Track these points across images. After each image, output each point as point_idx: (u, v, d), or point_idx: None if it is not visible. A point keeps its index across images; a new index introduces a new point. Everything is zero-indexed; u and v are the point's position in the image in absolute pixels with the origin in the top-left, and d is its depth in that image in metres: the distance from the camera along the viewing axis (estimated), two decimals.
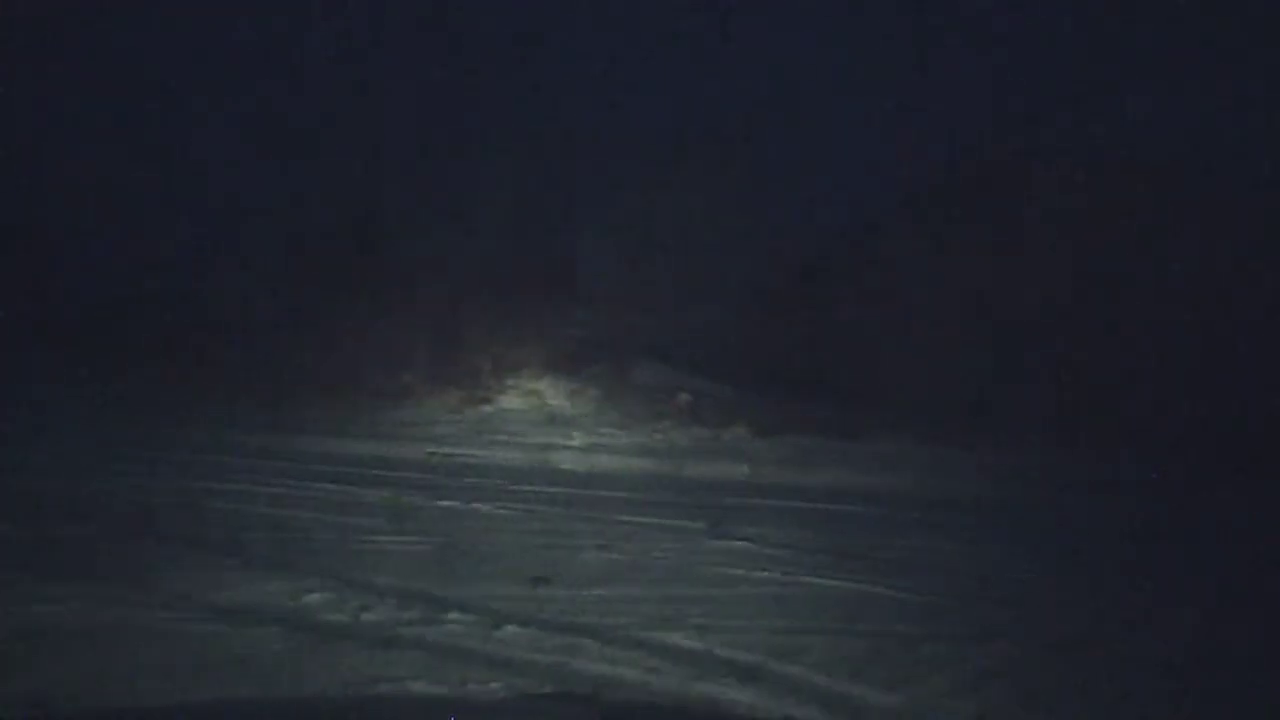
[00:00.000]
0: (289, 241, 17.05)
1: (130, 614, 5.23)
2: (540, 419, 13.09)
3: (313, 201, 17.20)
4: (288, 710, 2.55)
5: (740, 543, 7.61)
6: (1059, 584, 7.02)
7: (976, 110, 17.23)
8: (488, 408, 13.60)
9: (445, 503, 8.66)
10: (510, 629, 5.27)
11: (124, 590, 5.59)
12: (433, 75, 16.80)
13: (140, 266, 16.84)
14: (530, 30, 17.21)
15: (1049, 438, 12.12)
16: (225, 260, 16.56)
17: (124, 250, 16.96)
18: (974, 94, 17.23)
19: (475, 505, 8.58)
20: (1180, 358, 13.06)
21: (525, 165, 16.56)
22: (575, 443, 11.92)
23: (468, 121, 16.99)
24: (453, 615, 5.46)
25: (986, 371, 14.09)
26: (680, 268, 15.94)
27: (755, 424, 12.86)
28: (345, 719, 2.50)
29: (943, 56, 17.01)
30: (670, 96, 18.34)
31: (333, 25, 17.78)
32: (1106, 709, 4.73)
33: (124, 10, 17.45)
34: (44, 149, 17.40)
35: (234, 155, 16.88)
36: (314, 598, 5.68)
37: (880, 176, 17.29)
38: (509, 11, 17.70)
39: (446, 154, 16.86)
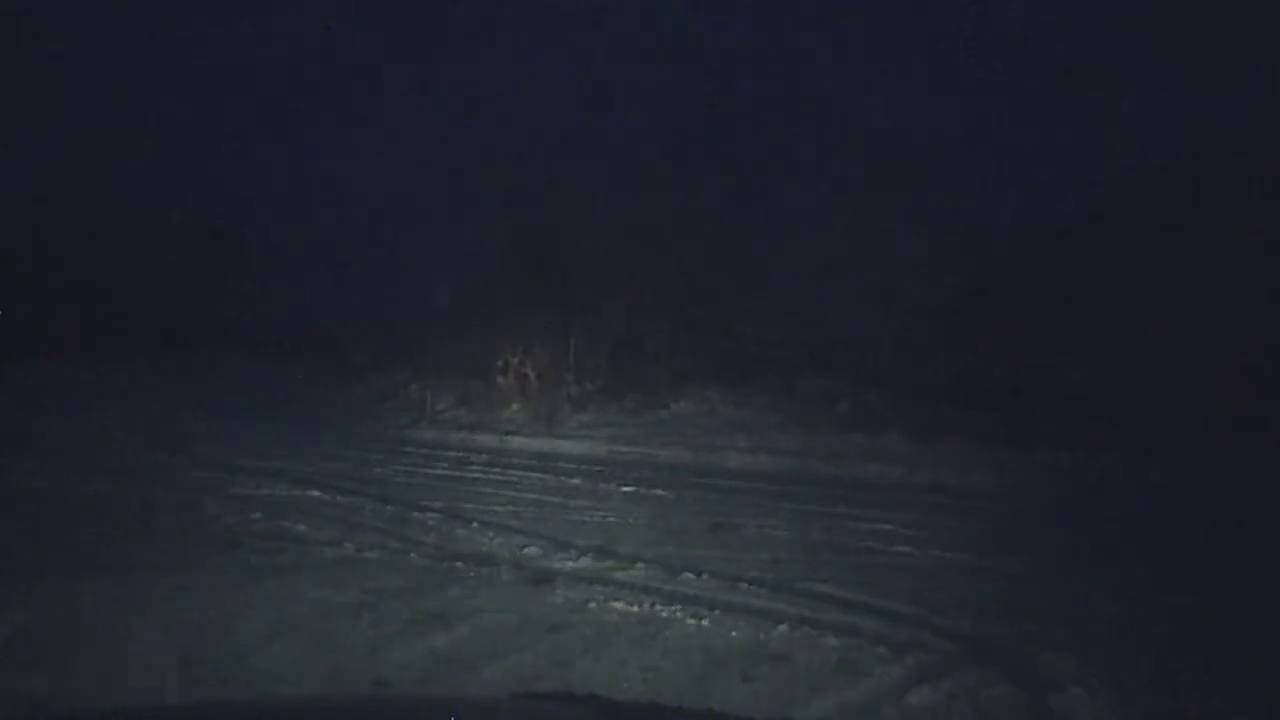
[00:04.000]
0: (484, 261, 19.06)
1: (404, 559, 6.83)
2: (709, 423, 14.39)
3: (505, 225, 19.14)
4: (288, 710, 2.54)
5: (885, 526, 8.71)
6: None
7: (1151, 122, 17.51)
8: (663, 412, 15.02)
9: (627, 489, 10.08)
10: (686, 575, 6.61)
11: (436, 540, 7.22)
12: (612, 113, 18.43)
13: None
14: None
15: (1218, 454, 12.38)
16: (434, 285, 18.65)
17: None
18: (1155, 104, 17.53)
19: (654, 491, 9.98)
20: None
21: (700, 186, 18.01)
22: (740, 444, 13.19)
23: (660, 143, 18.55)
24: (638, 565, 6.85)
25: (1155, 385, 14.51)
26: (848, 282, 17.03)
27: (913, 430, 13.78)
28: (345, 719, 2.49)
29: (1133, 61, 17.38)
30: (848, 116, 19.40)
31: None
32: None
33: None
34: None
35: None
36: (532, 549, 7.18)
37: (1046, 192, 17.88)
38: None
39: (625, 178, 18.48)
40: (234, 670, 4.66)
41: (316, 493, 9.01)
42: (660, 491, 9.94)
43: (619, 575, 6.63)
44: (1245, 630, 6.13)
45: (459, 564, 6.73)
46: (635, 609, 5.87)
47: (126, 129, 20.73)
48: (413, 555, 6.96)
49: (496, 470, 10.81)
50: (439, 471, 10.58)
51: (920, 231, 17.38)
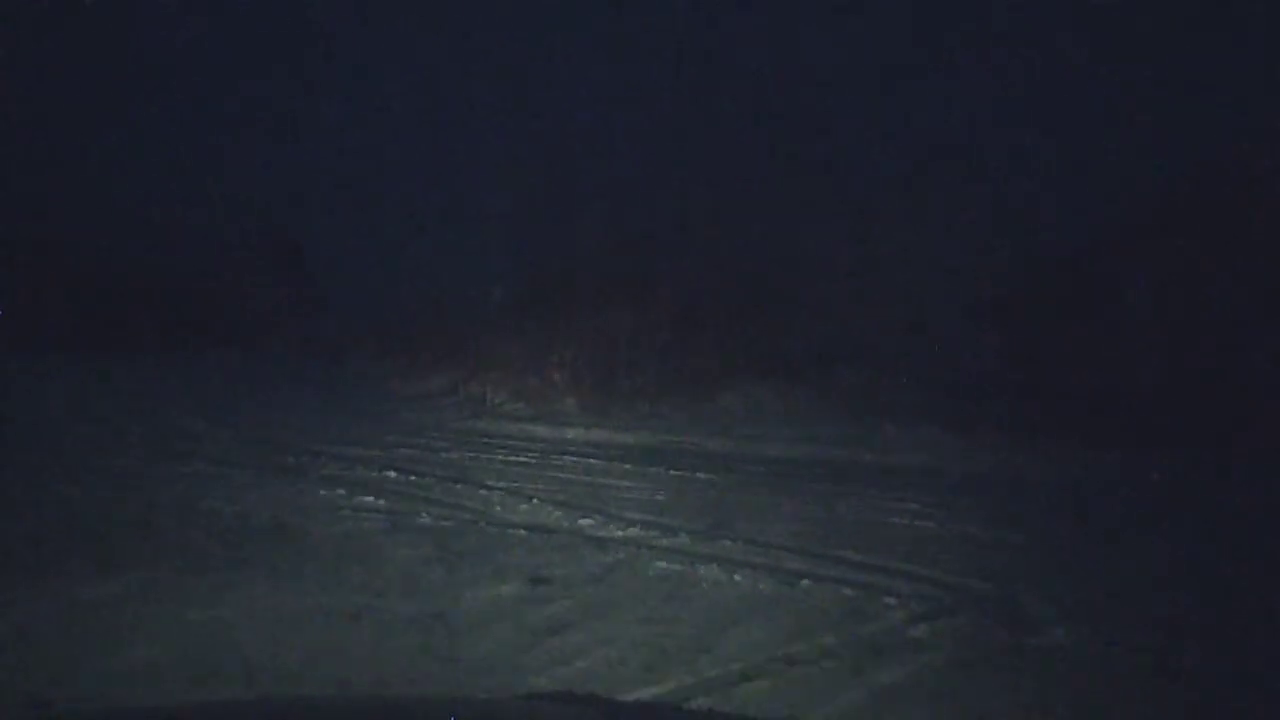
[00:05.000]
0: (525, 262, 20.06)
1: (474, 526, 7.77)
2: (753, 415, 15.21)
3: (545, 226, 20.10)
4: (288, 710, 2.56)
5: (912, 506, 9.48)
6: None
7: (1191, 128, 17.89)
8: (709, 406, 15.86)
9: (674, 473, 10.95)
10: (723, 542, 7.47)
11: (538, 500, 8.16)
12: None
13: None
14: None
15: (1231, 450, 12.97)
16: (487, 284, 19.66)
17: None
18: (1194, 110, 17.95)
19: (698, 474, 10.84)
20: None
21: (737, 184, 18.83)
22: (782, 434, 13.99)
23: (692, 140, 19.41)
24: (681, 534, 7.72)
25: (1186, 383, 15.07)
26: (888, 281, 17.73)
27: (947, 422, 14.49)
28: (345, 719, 2.52)
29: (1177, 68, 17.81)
30: (888, 118, 20.04)
31: None
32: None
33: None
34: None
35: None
36: (587, 520, 8.08)
37: (1079, 198, 18.36)
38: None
39: (663, 176, 19.36)
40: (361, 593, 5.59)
41: (392, 474, 9.96)
42: (703, 475, 10.79)
43: (664, 542, 7.50)
44: (1224, 601, 6.88)
45: (523, 531, 7.64)
46: (677, 567, 6.74)
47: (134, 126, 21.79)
48: (482, 524, 7.87)
49: (554, 457, 11.71)
50: (500, 458, 11.49)
51: (956, 230, 17.97)
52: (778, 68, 19.85)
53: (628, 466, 11.15)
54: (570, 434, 14.18)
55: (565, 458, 11.79)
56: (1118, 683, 5.04)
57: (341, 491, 8.91)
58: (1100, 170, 17.99)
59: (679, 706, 3.63)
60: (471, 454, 11.66)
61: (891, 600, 6.15)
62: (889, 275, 17.73)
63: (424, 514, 8.14)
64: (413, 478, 9.81)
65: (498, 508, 8.59)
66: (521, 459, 11.46)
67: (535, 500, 8.90)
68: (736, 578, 6.55)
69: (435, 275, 20.90)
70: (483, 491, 9.26)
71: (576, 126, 20.41)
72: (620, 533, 7.76)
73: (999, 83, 18.26)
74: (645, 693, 4.52)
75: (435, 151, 21.34)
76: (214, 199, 22.35)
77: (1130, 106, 18.04)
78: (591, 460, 11.59)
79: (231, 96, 22.07)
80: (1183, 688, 5.03)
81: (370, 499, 8.63)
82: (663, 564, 6.81)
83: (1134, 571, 7.34)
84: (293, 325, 23.35)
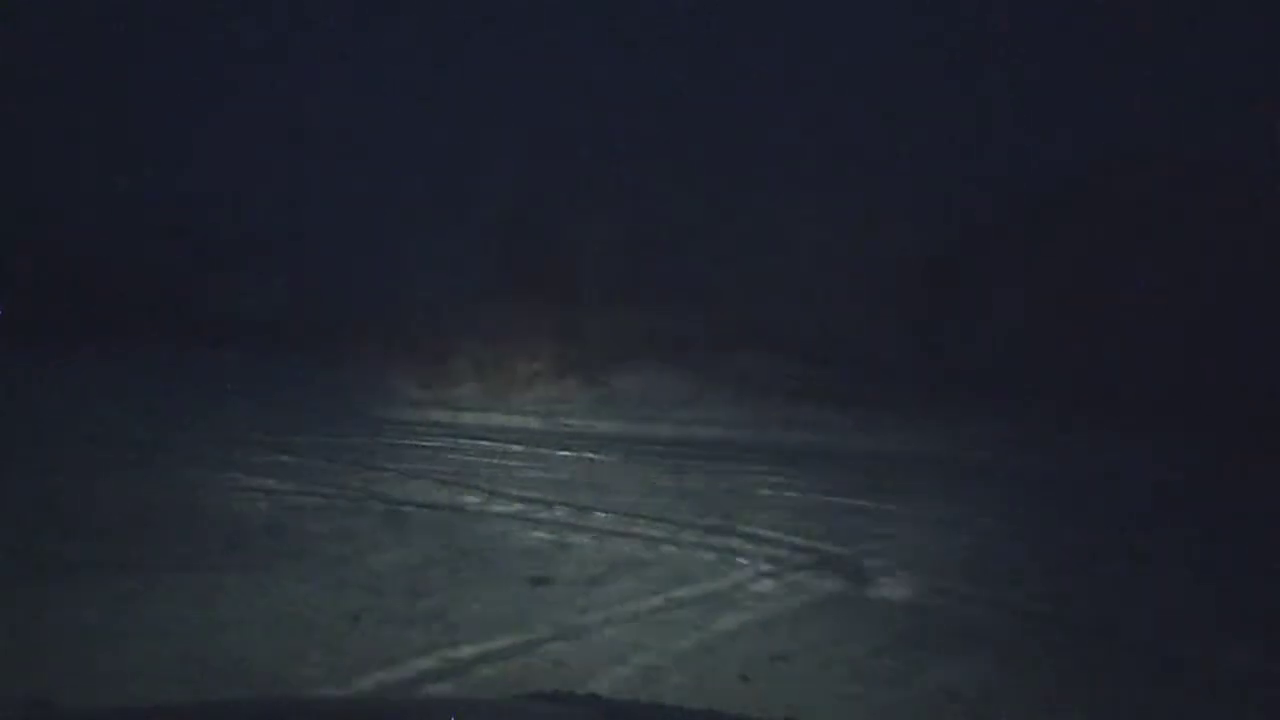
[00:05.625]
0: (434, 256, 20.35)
1: (367, 505, 8.13)
2: (647, 397, 15.73)
3: (456, 222, 20.41)
4: (288, 710, 2.55)
5: (785, 478, 10.08)
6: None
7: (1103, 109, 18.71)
8: (607, 389, 16.34)
9: (564, 453, 11.41)
10: (597, 515, 7.96)
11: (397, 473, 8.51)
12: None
13: None
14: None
15: (1068, 414, 13.95)
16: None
17: None
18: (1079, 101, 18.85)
19: (586, 454, 11.32)
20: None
21: (648, 175, 19.36)
22: (676, 416, 14.55)
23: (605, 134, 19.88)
24: (559, 508, 8.18)
25: (1059, 362, 16.00)
26: (786, 271, 18.41)
27: (840, 401, 15.19)
28: (345, 719, 2.51)
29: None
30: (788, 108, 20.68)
31: None
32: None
33: None
34: None
35: None
36: (471, 498, 8.51)
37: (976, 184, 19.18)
38: None
39: (574, 169, 19.82)
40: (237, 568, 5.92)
41: (287, 458, 10.25)
42: (592, 455, 11.27)
43: (541, 515, 7.95)
44: (1057, 556, 7.58)
45: (408, 508, 8.03)
46: (551, 537, 7.21)
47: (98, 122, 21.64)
48: (370, 502, 8.24)
49: (451, 440, 12.08)
50: (402, 442, 11.81)
51: (850, 224, 18.69)
52: (676, 70, 20.48)
53: (519, 448, 11.58)
54: (469, 419, 14.55)
55: (461, 440, 12.17)
56: (939, 627, 5.61)
57: (239, 475, 9.17)
58: (981, 168, 18.89)
59: (679, 707, 3.60)
60: (373, 439, 11.96)
61: (744, 560, 6.70)
62: (787, 265, 18.42)
63: (317, 494, 8.47)
64: (321, 462, 10.11)
65: (388, 488, 8.95)
66: (421, 443, 11.81)
67: (426, 480, 9.28)
68: (606, 546, 7.03)
69: (349, 272, 21.04)
70: (375, 473, 9.61)
71: (477, 120, 20.72)
72: (502, 508, 8.19)
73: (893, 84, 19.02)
74: (504, 640, 4.97)
75: (339, 153, 21.44)
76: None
77: (1014, 105, 18.97)
78: (486, 442, 11.99)
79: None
80: (1002, 629, 5.60)
81: (271, 481, 8.91)
82: (538, 534, 7.27)
83: (979, 533, 7.99)
84: (219, 321, 23.12)
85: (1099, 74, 18.28)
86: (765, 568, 6.55)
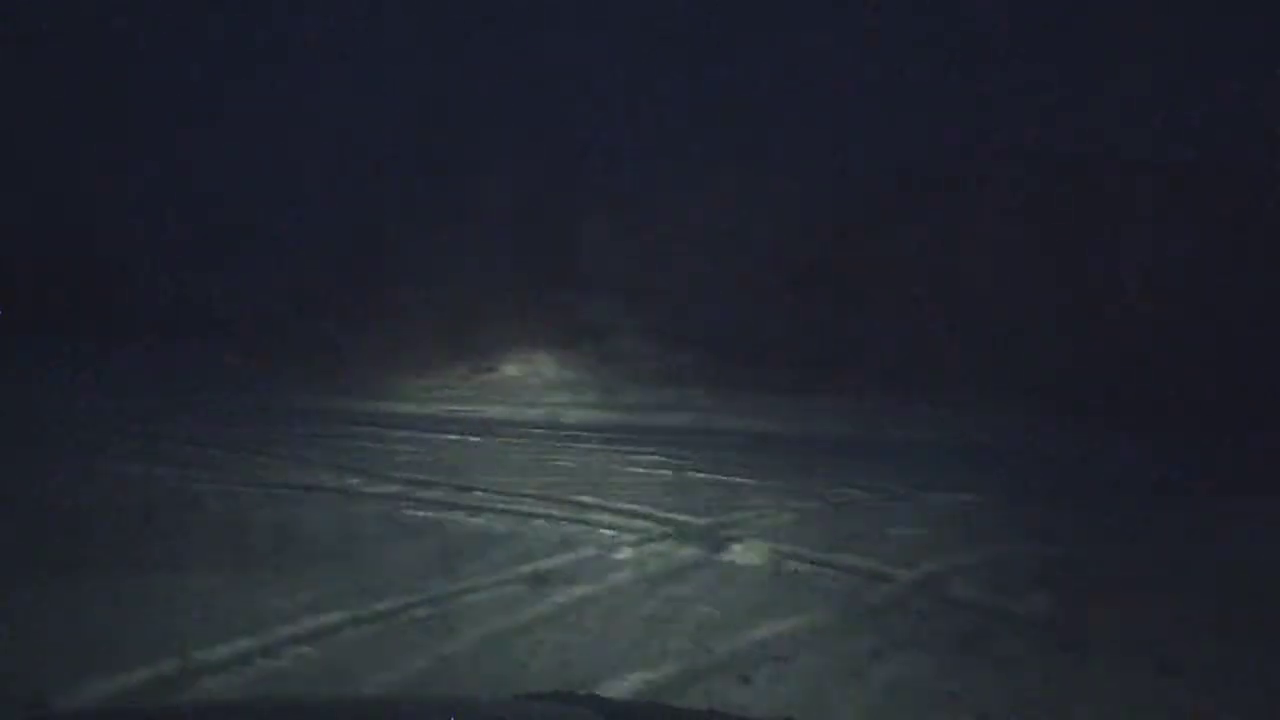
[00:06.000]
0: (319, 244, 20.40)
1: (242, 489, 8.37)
2: (534, 383, 16.15)
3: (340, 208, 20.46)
4: (288, 710, 2.56)
5: (657, 458, 10.60)
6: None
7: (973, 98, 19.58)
8: (493, 375, 16.70)
9: (448, 437, 11.75)
10: (475, 493, 8.35)
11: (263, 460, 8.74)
12: None
13: None
14: None
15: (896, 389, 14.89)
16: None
17: None
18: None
19: (469, 438, 11.68)
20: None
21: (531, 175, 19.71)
22: (557, 400, 14.99)
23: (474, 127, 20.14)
24: (438, 488, 8.55)
25: (918, 344, 16.89)
26: (663, 262, 18.98)
27: (714, 384, 15.81)
28: (346, 719, 2.53)
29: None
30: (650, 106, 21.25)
31: None
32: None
33: None
34: None
35: None
36: (354, 479, 8.82)
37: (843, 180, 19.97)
38: None
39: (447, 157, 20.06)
40: None
41: (191, 448, 10.41)
42: (474, 439, 11.64)
43: (420, 494, 8.31)
44: (918, 527, 8.24)
45: (288, 490, 8.32)
46: (427, 515, 7.59)
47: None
48: (251, 488, 8.49)
49: (340, 426, 12.32)
50: (295, 430, 12.02)
51: (749, 212, 19.32)
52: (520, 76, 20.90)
53: (404, 433, 11.88)
54: (359, 406, 14.75)
55: (352, 427, 12.42)
56: (778, 587, 6.15)
57: (138, 466, 9.26)
58: (851, 161, 19.71)
59: (679, 706, 3.59)
60: (263, 428, 12.10)
61: (608, 532, 7.18)
62: (670, 258, 18.99)
63: (205, 481, 8.66)
64: (212, 451, 10.27)
65: (273, 472, 9.18)
66: (312, 430, 12.02)
67: (312, 464, 9.54)
68: (477, 520, 7.44)
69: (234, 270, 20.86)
70: (266, 458, 9.84)
71: (346, 117, 20.78)
72: (381, 489, 8.52)
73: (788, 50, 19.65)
74: (369, 608, 5.34)
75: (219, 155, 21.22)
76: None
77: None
78: (373, 428, 12.25)
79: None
80: (834, 587, 6.16)
81: (164, 469, 9.05)
82: (414, 513, 7.64)
83: (828, 502, 8.61)
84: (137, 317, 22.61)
85: (965, 69, 19.23)
86: (628, 538, 7.03)
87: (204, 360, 18.44)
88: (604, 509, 7.96)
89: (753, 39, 20.03)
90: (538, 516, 7.60)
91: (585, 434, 12.52)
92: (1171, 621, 5.41)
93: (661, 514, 7.79)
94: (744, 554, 6.77)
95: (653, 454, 10.73)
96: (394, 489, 8.54)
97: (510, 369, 16.86)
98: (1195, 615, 5.49)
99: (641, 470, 9.82)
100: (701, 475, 9.65)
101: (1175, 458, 11.66)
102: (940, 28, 19.49)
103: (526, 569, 6.19)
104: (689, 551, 6.79)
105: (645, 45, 20.73)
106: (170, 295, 21.06)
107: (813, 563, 6.67)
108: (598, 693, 3.57)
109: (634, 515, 7.75)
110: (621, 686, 4.43)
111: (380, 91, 21.39)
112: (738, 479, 9.46)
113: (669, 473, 9.76)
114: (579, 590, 5.86)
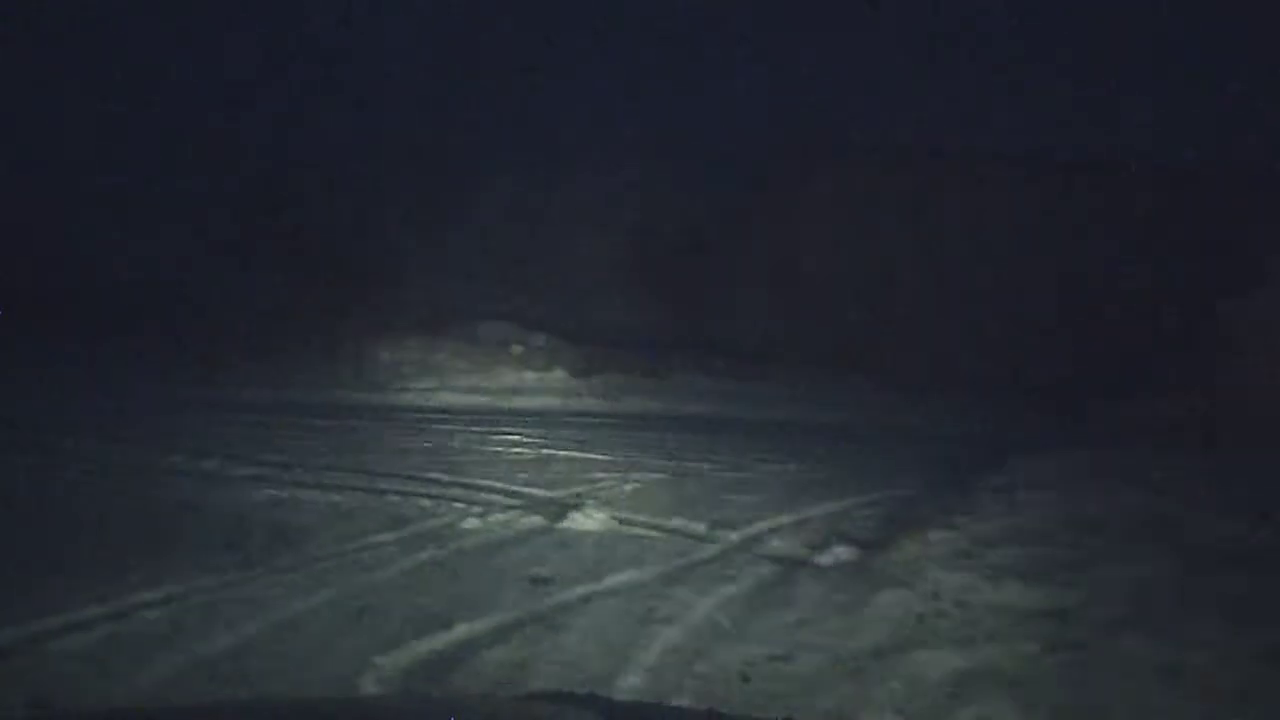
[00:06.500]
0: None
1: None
2: (398, 368, 16.40)
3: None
4: (288, 710, 2.58)
5: (514, 436, 11.08)
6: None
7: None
8: (367, 362, 16.89)
9: (318, 421, 12.01)
10: (332, 474, 8.71)
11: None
12: None
13: None
14: None
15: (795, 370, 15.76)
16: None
17: None
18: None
19: (334, 422, 11.98)
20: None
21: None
22: (422, 384, 15.33)
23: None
24: (297, 471, 8.88)
25: (778, 328, 17.70)
26: (525, 247, 19.46)
27: (574, 368, 16.33)
28: (346, 719, 2.56)
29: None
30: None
31: None
32: None
33: None
34: None
35: None
36: (209, 463, 9.08)
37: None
38: None
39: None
40: None
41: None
42: (337, 422, 11.94)
43: (280, 475, 8.63)
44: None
45: (148, 475, 8.56)
46: (281, 494, 7.95)
47: None
48: (109, 471, 8.69)
49: (206, 413, 12.39)
50: (161, 415, 12.07)
51: (623, 195, 19.83)
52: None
53: (268, 419, 12.08)
54: (232, 394, 14.74)
55: (216, 413, 12.51)
56: (611, 548, 6.71)
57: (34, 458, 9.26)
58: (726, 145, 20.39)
59: (679, 707, 3.64)
60: (136, 415, 12.12)
61: (460, 505, 7.65)
62: (539, 243, 19.46)
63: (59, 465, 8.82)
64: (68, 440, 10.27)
65: (129, 457, 9.36)
66: (181, 416, 12.09)
67: (173, 450, 9.71)
68: (334, 497, 7.83)
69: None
70: (124, 445, 9.98)
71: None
72: (240, 471, 8.80)
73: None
74: (214, 579, 5.72)
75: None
76: None
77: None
78: (235, 414, 12.40)
79: None
80: (668, 550, 6.75)
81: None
82: (270, 491, 7.99)
83: (672, 474, 9.23)
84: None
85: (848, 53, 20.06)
86: (476, 510, 7.51)
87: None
88: (457, 484, 8.42)
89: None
90: (392, 492, 8.02)
91: (446, 415, 12.92)
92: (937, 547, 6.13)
93: (512, 487, 8.29)
94: (583, 521, 7.31)
95: (510, 433, 11.21)
96: (251, 471, 8.82)
97: (380, 354, 17.05)
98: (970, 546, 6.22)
99: (502, 449, 10.29)
100: (554, 452, 10.16)
101: (1017, 426, 12.52)
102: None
103: (373, 539, 6.64)
104: (532, 520, 7.31)
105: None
106: None
107: (646, 527, 7.28)
108: (597, 693, 3.56)
109: (484, 489, 8.23)
110: (451, 635, 4.95)
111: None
112: (589, 455, 10.00)
113: (524, 449, 10.25)
114: (425, 555, 6.34)
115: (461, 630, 5.02)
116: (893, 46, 19.90)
